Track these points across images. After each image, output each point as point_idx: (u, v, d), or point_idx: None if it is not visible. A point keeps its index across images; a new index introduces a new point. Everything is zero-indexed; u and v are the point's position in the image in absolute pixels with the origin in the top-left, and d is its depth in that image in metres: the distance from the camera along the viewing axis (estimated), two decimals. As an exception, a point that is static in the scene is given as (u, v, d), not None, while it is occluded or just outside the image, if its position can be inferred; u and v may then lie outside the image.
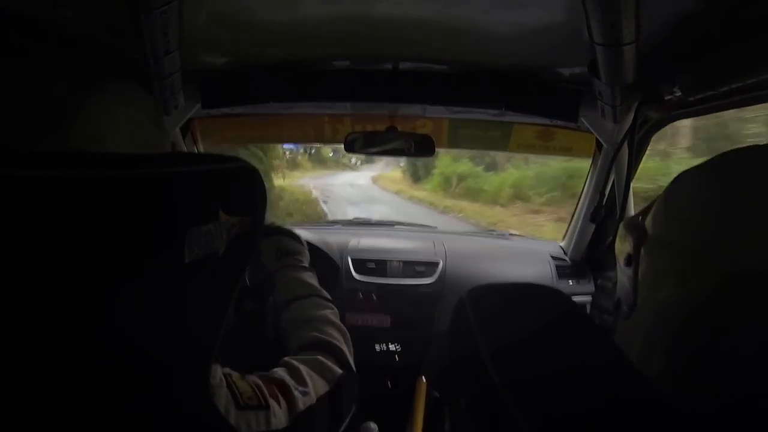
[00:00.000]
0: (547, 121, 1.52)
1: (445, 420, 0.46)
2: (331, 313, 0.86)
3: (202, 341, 0.49)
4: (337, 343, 0.80)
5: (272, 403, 0.59)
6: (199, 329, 0.48)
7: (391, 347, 1.66)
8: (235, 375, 0.58)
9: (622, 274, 0.53)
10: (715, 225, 0.40)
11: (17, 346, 0.39)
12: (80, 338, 0.41)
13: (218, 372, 0.57)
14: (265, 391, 0.60)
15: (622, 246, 0.54)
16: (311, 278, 0.95)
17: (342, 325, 0.84)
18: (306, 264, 1.00)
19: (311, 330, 0.80)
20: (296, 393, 0.64)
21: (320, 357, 0.74)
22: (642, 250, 0.49)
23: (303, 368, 0.70)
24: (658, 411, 0.30)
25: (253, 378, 0.61)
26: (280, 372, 0.68)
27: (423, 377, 1.51)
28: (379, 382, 1.70)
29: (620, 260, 0.54)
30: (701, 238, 0.41)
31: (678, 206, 0.46)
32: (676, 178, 0.49)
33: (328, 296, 0.91)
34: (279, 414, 0.59)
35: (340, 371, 0.75)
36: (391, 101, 1.45)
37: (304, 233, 1.70)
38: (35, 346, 0.39)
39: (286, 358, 0.73)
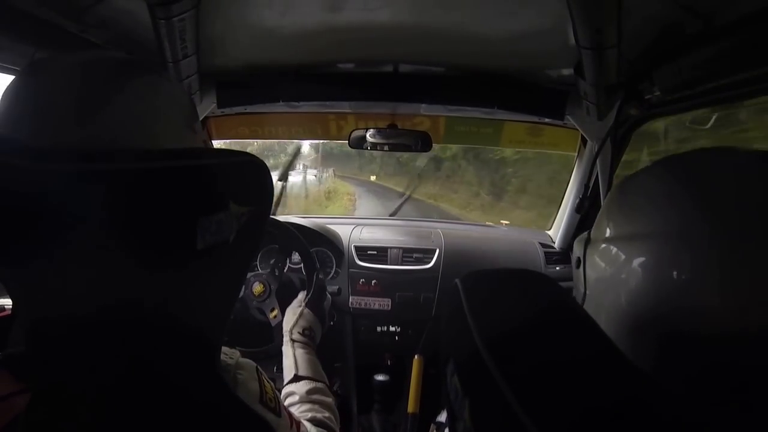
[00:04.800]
0: (535, 118, 1.53)
1: (442, 396, 0.47)
2: (332, 401, 0.92)
3: (212, 322, 0.50)
4: (335, 428, 0.85)
5: (285, 415, 0.61)
6: (210, 311, 0.49)
7: (392, 328, 1.68)
8: (265, 375, 0.60)
9: (575, 274, 0.60)
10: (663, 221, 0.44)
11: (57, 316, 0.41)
12: (104, 316, 0.42)
13: (252, 366, 0.59)
14: (282, 403, 0.62)
15: (575, 251, 0.61)
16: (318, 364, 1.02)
17: (336, 411, 0.90)
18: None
19: (314, 412, 0.85)
20: None
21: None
22: (587, 254, 0.55)
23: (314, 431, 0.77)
24: (633, 385, 0.31)
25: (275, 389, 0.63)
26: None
27: (420, 355, 1.52)
28: (381, 360, 1.72)
29: (573, 263, 0.61)
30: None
31: (622, 207, 0.51)
32: (619, 184, 0.54)
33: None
34: (287, 429, 0.61)
35: None
36: (391, 100, 1.46)
37: (315, 222, 1.71)
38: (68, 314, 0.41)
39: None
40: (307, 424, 0.75)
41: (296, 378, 0.93)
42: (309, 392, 0.89)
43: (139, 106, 0.46)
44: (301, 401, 0.87)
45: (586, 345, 0.34)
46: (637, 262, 0.45)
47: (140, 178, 0.41)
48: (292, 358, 0.99)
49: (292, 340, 1.04)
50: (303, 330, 1.07)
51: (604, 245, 0.52)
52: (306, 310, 1.13)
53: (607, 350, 0.33)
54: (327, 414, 0.85)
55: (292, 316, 1.11)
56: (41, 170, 0.38)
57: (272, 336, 1.29)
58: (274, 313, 1.33)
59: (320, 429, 0.79)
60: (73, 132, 0.42)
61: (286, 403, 0.88)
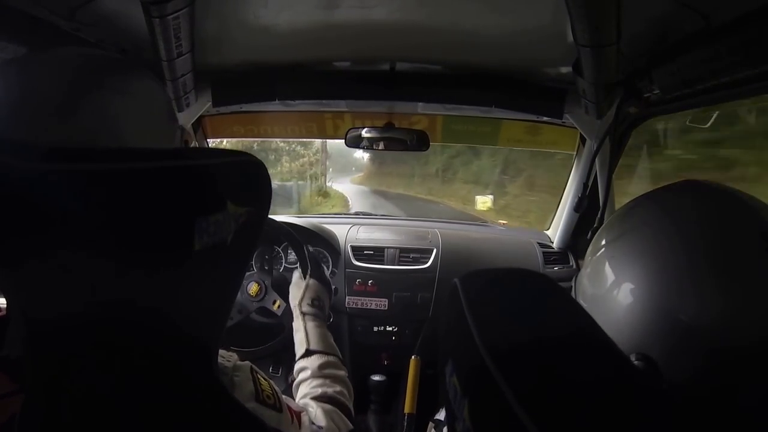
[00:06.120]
0: (534, 117, 1.52)
1: (441, 396, 0.46)
2: (345, 374, 0.91)
3: (210, 324, 0.49)
4: (347, 402, 0.85)
5: (285, 409, 0.61)
6: (208, 313, 0.49)
7: (389, 328, 1.68)
8: (261, 374, 0.60)
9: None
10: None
11: (49, 321, 0.40)
12: (101, 317, 0.41)
13: (247, 366, 0.58)
14: (282, 398, 0.62)
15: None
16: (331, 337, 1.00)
17: (349, 384, 0.89)
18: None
19: (326, 387, 0.84)
20: (310, 425, 0.69)
21: (337, 410, 0.80)
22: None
23: (321, 412, 0.75)
24: (635, 385, 0.31)
25: (275, 385, 0.63)
26: (300, 405, 0.73)
27: (417, 356, 1.52)
28: (377, 360, 1.72)
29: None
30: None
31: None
32: (631, 204, 0.58)
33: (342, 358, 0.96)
34: (289, 425, 0.60)
35: (351, 426, 0.81)
36: (388, 99, 1.45)
37: (311, 222, 1.71)
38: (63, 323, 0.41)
39: (307, 401, 0.78)
40: (311, 410, 0.74)
41: (308, 353, 0.92)
42: (321, 366, 0.88)
43: (117, 104, 0.46)
44: (313, 376, 0.86)
45: (595, 354, 0.34)
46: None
47: (137, 178, 0.40)
48: (303, 332, 0.97)
49: (303, 314, 1.02)
50: (312, 301, 1.04)
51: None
52: (311, 281, 1.09)
53: (619, 360, 0.33)
54: (338, 388, 0.84)
55: (297, 291, 1.08)
56: (31, 169, 0.37)
57: (282, 325, 1.27)
58: (277, 304, 1.31)
59: (328, 406, 0.78)
60: (52, 130, 0.42)
61: (298, 379, 0.88)
